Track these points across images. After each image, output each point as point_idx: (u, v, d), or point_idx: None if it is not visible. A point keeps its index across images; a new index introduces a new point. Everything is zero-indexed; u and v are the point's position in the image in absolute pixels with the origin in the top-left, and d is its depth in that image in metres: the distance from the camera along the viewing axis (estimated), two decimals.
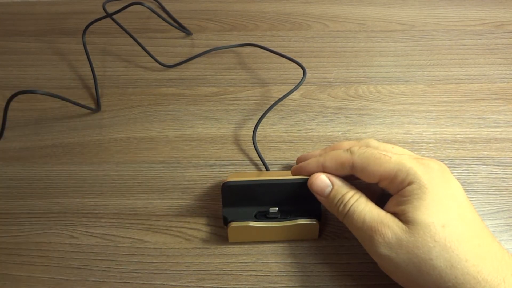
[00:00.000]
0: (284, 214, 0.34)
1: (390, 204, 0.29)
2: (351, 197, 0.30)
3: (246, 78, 0.46)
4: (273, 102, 0.42)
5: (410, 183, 0.28)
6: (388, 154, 0.29)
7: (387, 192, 0.30)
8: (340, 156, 0.31)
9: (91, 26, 0.47)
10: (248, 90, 0.45)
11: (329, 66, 0.47)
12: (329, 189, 0.31)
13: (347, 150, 0.31)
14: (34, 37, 0.51)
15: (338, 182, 0.31)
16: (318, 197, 0.32)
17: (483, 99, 0.44)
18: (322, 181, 0.31)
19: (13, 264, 0.34)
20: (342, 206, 0.30)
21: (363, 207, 0.29)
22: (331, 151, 0.32)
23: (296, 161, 0.37)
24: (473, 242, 0.27)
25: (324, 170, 0.32)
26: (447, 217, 0.27)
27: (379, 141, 0.33)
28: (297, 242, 0.35)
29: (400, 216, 0.28)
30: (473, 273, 0.26)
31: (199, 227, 0.36)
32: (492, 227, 0.36)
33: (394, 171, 0.29)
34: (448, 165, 0.31)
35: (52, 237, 0.35)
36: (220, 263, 0.34)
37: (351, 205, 0.29)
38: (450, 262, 0.26)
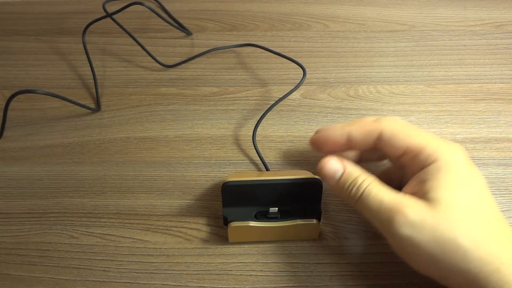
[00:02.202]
0: (284, 214, 0.34)
1: (409, 185, 0.29)
2: (364, 180, 0.29)
3: (246, 78, 0.46)
4: (273, 102, 0.42)
5: (435, 161, 0.27)
6: (417, 130, 0.29)
7: (397, 178, 0.30)
8: (368, 124, 0.30)
9: (91, 26, 0.47)
10: (248, 90, 0.45)
11: (329, 66, 0.47)
12: (340, 172, 0.30)
13: (375, 120, 0.30)
14: (34, 36, 0.51)
15: (349, 166, 0.30)
16: (328, 182, 0.31)
17: (483, 99, 0.44)
18: (333, 164, 0.30)
19: (13, 264, 0.34)
20: (354, 189, 0.29)
21: (379, 189, 0.28)
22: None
23: (316, 133, 0.34)
24: (497, 224, 0.26)
25: (349, 138, 0.30)
26: (472, 198, 0.26)
27: None
28: (297, 242, 0.35)
29: (423, 195, 0.27)
30: (497, 254, 0.25)
31: (199, 227, 0.36)
32: None
33: (421, 146, 0.28)
34: None
35: (52, 237, 0.35)
36: (220, 263, 0.34)
37: (365, 188, 0.28)
38: (476, 242, 0.25)
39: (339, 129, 0.31)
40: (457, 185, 0.27)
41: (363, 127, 0.30)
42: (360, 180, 0.29)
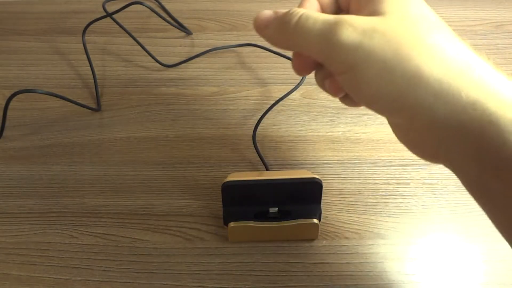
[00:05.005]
0: (284, 214, 0.34)
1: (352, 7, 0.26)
2: (299, 9, 0.25)
3: (246, 78, 0.46)
4: (273, 102, 0.42)
5: None
6: None
7: None
8: None
9: (91, 26, 0.47)
10: (248, 90, 0.45)
11: None
12: (271, 13, 0.27)
13: None
14: (34, 36, 0.51)
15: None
16: (263, 32, 0.27)
17: None
18: (265, 12, 0.27)
19: (13, 264, 0.34)
20: (290, 16, 0.25)
21: (319, 14, 0.24)
22: None
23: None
24: (453, 33, 0.24)
25: None
26: (423, 10, 0.24)
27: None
28: (297, 242, 0.35)
29: (369, 12, 0.24)
30: (463, 55, 0.23)
31: (199, 227, 0.36)
32: (492, 226, 0.35)
33: None
34: None
35: (52, 237, 0.35)
36: (220, 263, 0.34)
37: (303, 13, 0.24)
38: (443, 44, 0.23)
39: None
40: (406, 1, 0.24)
41: None
42: (295, 10, 0.25)
